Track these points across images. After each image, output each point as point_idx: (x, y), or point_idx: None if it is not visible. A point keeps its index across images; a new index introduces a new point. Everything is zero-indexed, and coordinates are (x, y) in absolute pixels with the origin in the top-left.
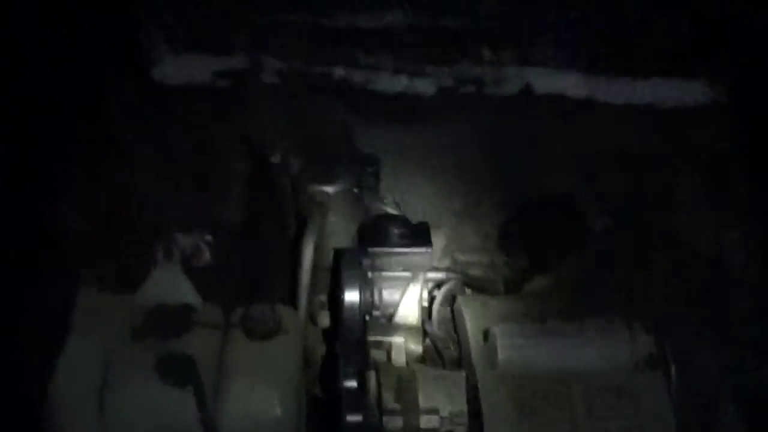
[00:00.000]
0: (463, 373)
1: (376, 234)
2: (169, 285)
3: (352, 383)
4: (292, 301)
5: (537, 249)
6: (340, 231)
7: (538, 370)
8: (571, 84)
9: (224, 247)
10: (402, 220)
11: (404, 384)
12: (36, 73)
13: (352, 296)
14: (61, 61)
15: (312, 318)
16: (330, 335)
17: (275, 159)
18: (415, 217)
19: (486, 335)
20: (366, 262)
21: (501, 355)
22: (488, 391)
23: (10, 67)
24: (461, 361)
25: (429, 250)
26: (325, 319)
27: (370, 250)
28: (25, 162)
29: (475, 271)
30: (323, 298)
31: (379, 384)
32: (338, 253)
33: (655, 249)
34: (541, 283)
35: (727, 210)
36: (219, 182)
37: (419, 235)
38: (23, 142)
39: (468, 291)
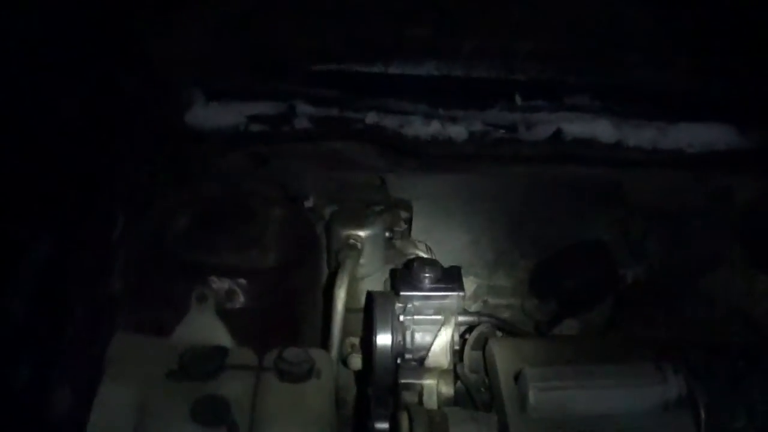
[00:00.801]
0: (495, 416)
1: (408, 278)
2: (203, 328)
3: (384, 425)
4: (324, 343)
5: (567, 294)
6: (371, 274)
7: (568, 412)
8: (601, 129)
9: (257, 291)
10: (434, 264)
11: (436, 426)
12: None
13: (384, 339)
14: (92, 107)
15: (343, 360)
16: (362, 377)
17: (308, 203)
18: (446, 262)
19: (517, 378)
20: (398, 305)
21: (532, 398)
22: None
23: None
24: (493, 404)
25: (461, 294)
26: (356, 361)
27: (402, 293)
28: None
29: (505, 314)
30: (354, 340)
31: (411, 426)
32: (371, 297)
33: (685, 297)
34: (570, 326)
35: (757, 261)
36: (252, 226)
37: (451, 279)
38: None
39: (498, 334)
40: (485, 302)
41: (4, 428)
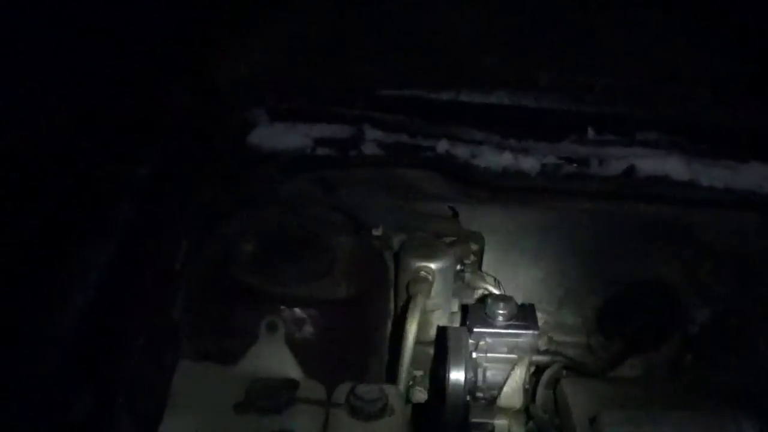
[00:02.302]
0: None
1: (482, 314)
2: (272, 359)
3: None
4: (391, 377)
5: (632, 333)
6: (439, 307)
7: None
8: (673, 166)
9: (327, 322)
10: (508, 301)
11: None
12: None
13: (458, 376)
14: (155, 127)
15: (407, 393)
16: (424, 412)
17: (377, 232)
18: (514, 297)
19: (592, 421)
20: (471, 342)
21: None
22: None
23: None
24: None
25: (536, 332)
26: (419, 395)
27: (476, 330)
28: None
29: (570, 352)
30: (417, 373)
31: None
32: (443, 332)
33: (754, 342)
34: (633, 366)
35: None
36: (322, 255)
37: (525, 317)
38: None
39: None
40: (550, 339)
41: None
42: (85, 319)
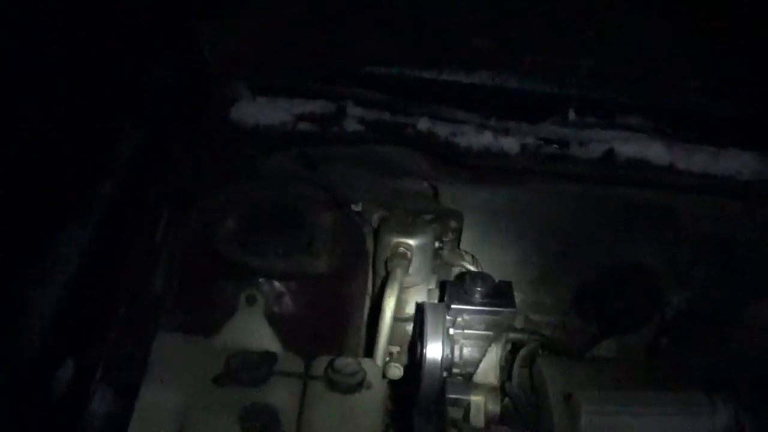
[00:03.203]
0: None
1: (460, 291)
2: (251, 331)
3: None
4: (368, 352)
5: (609, 315)
6: (417, 284)
7: None
8: (654, 151)
9: (307, 296)
10: (486, 279)
11: None
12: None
13: (434, 352)
14: (137, 100)
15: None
16: (400, 388)
17: (357, 208)
18: (492, 276)
19: (568, 399)
20: (449, 318)
21: (584, 422)
22: None
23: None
24: (540, 424)
25: (513, 310)
26: (395, 371)
27: (453, 306)
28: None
29: (546, 331)
30: (393, 349)
31: None
32: (422, 308)
33: (730, 327)
34: (608, 347)
35: None
36: (303, 231)
37: (503, 295)
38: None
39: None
40: (527, 318)
41: (45, 428)
42: (65, 291)
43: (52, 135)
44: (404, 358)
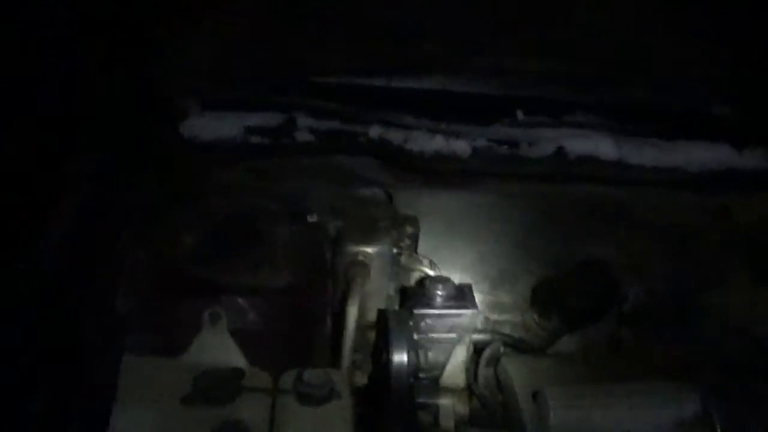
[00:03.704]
0: None
1: (421, 296)
2: (217, 348)
3: None
4: (334, 361)
5: (569, 311)
6: (378, 291)
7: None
8: (603, 146)
9: (270, 311)
10: (446, 282)
11: None
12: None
13: (400, 358)
14: (86, 118)
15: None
16: (369, 396)
17: (313, 219)
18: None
19: (535, 397)
20: (411, 324)
21: (552, 418)
22: None
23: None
24: (509, 423)
25: (475, 311)
26: (360, 378)
27: (415, 312)
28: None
29: (507, 331)
30: (357, 356)
31: None
32: (384, 315)
33: (688, 316)
34: (569, 343)
35: (763, 279)
36: (263, 245)
37: (464, 297)
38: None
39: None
40: (487, 318)
41: None
42: (30, 322)
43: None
44: (367, 365)
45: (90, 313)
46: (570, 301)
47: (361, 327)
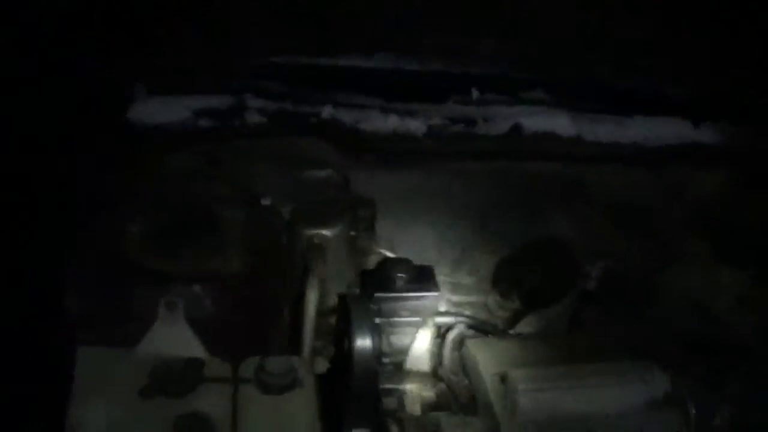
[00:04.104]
0: (486, 420)
1: (381, 279)
2: (174, 339)
3: None
4: (293, 348)
5: (529, 290)
6: (336, 275)
7: (557, 414)
8: (559, 123)
9: (225, 298)
10: (407, 264)
11: None
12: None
13: (363, 343)
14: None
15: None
16: (332, 382)
17: (265, 202)
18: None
19: (503, 379)
20: (372, 307)
21: (522, 401)
22: None
23: None
24: (477, 407)
25: (437, 294)
26: (322, 365)
27: (376, 295)
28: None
29: (468, 312)
30: (318, 343)
31: None
32: (344, 300)
33: (646, 293)
34: (530, 323)
35: (720, 255)
36: (214, 231)
37: (425, 279)
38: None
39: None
40: (448, 300)
41: None
42: None
43: None
44: (329, 352)
45: (36, 311)
46: (530, 281)
47: (320, 312)
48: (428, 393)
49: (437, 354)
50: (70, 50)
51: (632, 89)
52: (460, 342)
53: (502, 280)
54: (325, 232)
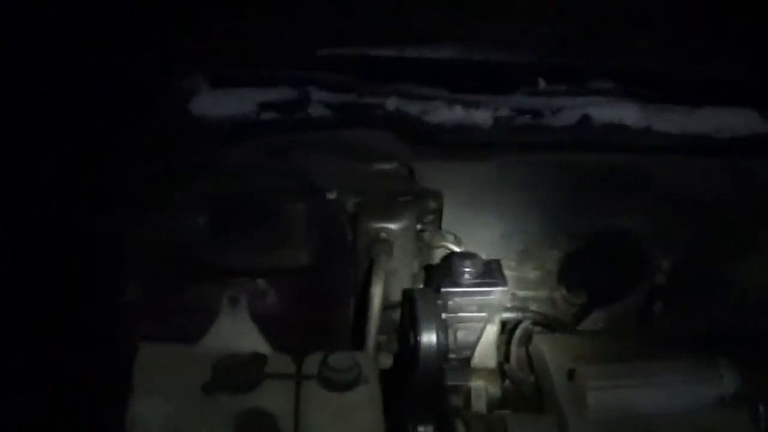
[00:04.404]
0: (553, 418)
1: (448, 273)
2: (237, 334)
3: (428, 430)
4: (357, 343)
5: (596, 285)
6: (401, 269)
7: (626, 412)
8: (628, 114)
9: (290, 292)
10: (474, 258)
11: None
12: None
13: (429, 339)
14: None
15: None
16: (396, 378)
17: (331, 196)
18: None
19: (571, 376)
20: (439, 302)
21: (591, 398)
22: None
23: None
24: (544, 404)
25: (505, 288)
26: (384, 361)
27: (443, 290)
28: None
29: (533, 307)
30: (382, 338)
31: None
32: (410, 294)
33: (715, 288)
34: (597, 318)
35: None
36: (279, 224)
37: (493, 274)
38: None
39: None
40: (513, 294)
41: None
42: (32, 312)
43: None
44: (392, 347)
45: (93, 303)
46: (596, 275)
47: (385, 307)
48: (494, 390)
49: (504, 350)
50: (134, 42)
51: (701, 78)
52: (527, 338)
53: (569, 275)
54: (391, 225)
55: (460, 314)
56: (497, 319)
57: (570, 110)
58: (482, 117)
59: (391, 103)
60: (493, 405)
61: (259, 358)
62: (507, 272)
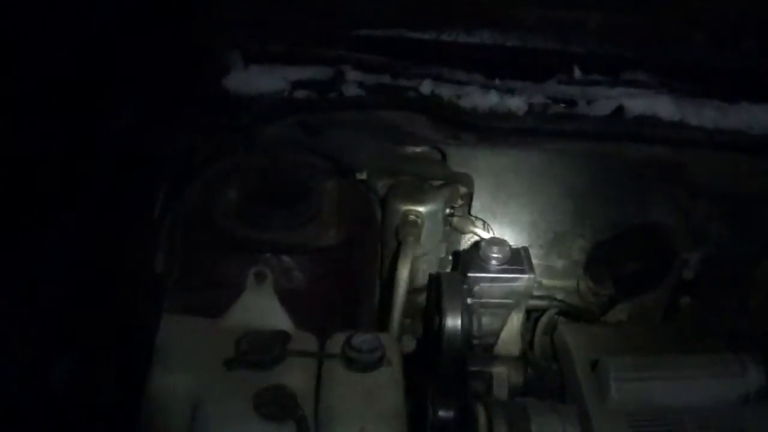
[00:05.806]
0: (574, 407)
1: (476, 259)
2: (261, 310)
3: (449, 414)
4: (382, 325)
5: (623, 277)
6: (428, 253)
7: (648, 404)
8: (662, 106)
9: (317, 270)
10: (503, 245)
11: (516, 419)
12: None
13: (454, 323)
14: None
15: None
16: (419, 362)
17: (362, 176)
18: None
19: (594, 366)
20: (465, 287)
21: (613, 389)
22: (602, 425)
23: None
24: (566, 393)
25: (532, 276)
26: (408, 344)
27: (469, 275)
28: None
29: (559, 296)
30: (407, 321)
31: (489, 420)
32: (437, 278)
33: (747, 284)
34: (622, 310)
35: None
36: (308, 201)
37: (520, 261)
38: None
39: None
40: (540, 283)
41: (46, 429)
42: (63, 277)
43: (38, 109)
44: (416, 330)
45: (125, 272)
46: (625, 267)
47: (410, 290)
48: (517, 378)
49: (528, 338)
50: (170, 18)
51: (737, 73)
52: (552, 326)
53: (596, 265)
54: (421, 208)
55: (486, 300)
56: (523, 307)
57: (604, 100)
58: (516, 104)
59: (426, 86)
60: (515, 392)
61: (282, 336)
62: (534, 260)
